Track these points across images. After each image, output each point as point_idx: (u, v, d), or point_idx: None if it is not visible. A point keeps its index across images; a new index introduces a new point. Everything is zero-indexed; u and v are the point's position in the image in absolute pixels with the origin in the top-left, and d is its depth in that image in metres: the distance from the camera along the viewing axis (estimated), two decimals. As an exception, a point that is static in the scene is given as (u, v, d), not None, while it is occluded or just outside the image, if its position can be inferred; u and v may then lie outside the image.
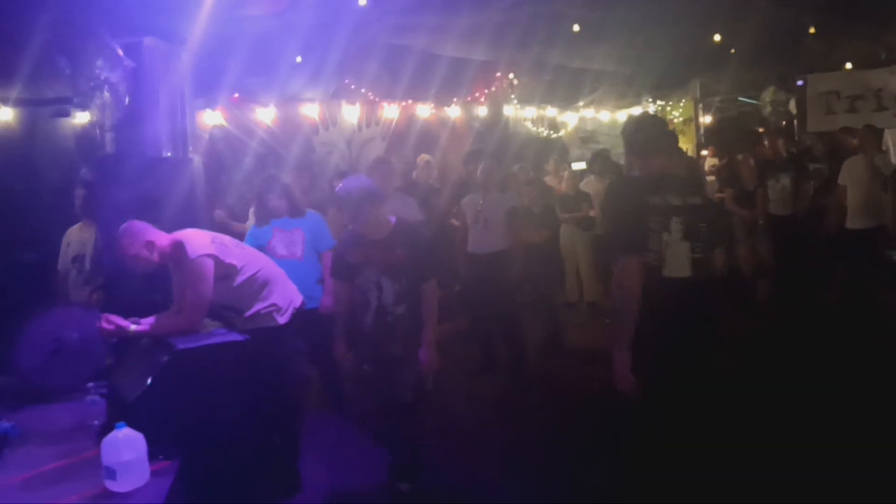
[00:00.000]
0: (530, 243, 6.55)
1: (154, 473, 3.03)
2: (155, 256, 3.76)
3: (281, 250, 5.03)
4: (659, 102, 13.66)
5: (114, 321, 3.71)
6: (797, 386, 5.44)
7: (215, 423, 3.31)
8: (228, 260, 3.95)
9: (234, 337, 3.52)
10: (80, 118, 5.75)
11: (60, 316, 5.07)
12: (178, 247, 3.84)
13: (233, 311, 4.09)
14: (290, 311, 4.18)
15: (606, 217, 8.01)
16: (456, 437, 5.16)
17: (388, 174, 5.62)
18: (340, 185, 4.14)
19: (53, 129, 6.16)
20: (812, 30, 8.55)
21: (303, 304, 4.32)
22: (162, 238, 3.84)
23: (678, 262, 3.22)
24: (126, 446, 2.94)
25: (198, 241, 3.90)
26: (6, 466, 3.71)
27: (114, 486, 2.91)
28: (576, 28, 7.81)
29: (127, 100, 4.55)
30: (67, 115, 5.96)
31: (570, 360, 6.72)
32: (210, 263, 3.84)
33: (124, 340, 3.95)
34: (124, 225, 3.80)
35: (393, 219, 4.13)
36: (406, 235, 4.07)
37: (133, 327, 3.73)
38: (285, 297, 4.20)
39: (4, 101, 5.87)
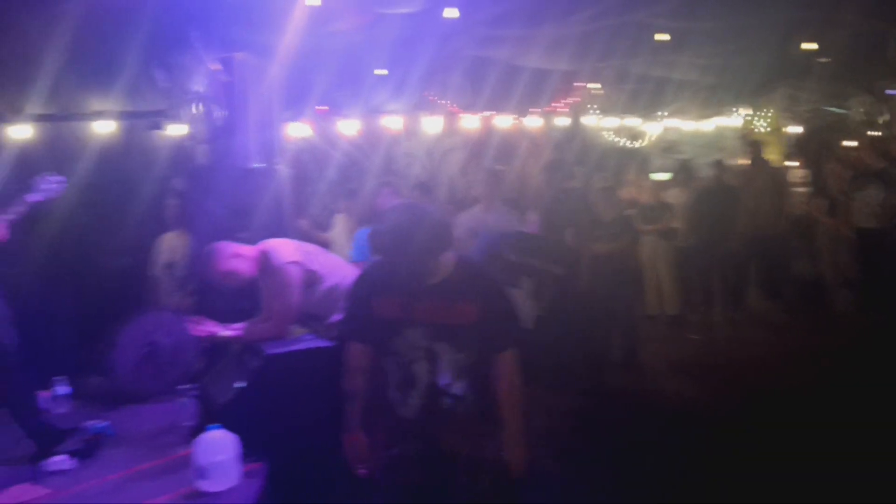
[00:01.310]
0: (598, 254, 6.39)
1: (245, 474, 3.10)
2: (245, 268, 3.86)
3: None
4: (743, 112, 13.32)
5: (205, 326, 3.82)
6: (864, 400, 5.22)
7: (304, 426, 3.38)
8: (313, 267, 4.02)
9: (322, 343, 3.58)
10: (174, 130, 5.97)
11: (153, 321, 5.26)
12: (265, 255, 3.94)
13: (315, 318, 4.15)
14: None
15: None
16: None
17: (495, 184, 5.52)
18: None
19: (149, 141, 6.42)
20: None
21: None
22: (249, 250, 3.94)
23: None
24: (219, 447, 3.02)
25: (284, 249, 3.99)
26: (101, 465, 3.87)
27: (205, 485, 2.99)
28: (662, 38, 7.70)
29: (219, 113, 4.70)
30: (161, 127, 6.20)
31: (648, 375, 6.59)
32: (297, 271, 3.92)
33: (215, 345, 4.07)
34: (209, 246, 3.91)
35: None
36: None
37: (224, 332, 3.83)
38: None
39: (104, 115, 6.15)
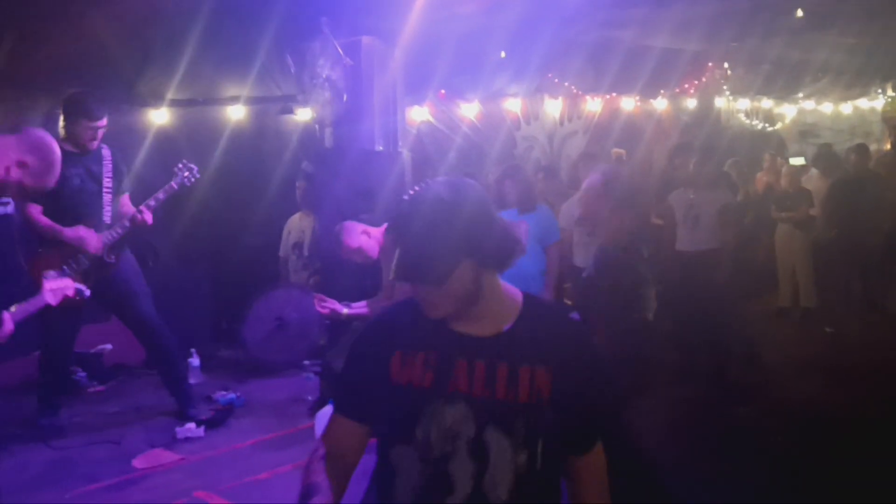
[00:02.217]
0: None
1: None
2: (371, 246, 3.97)
3: None
4: (891, 94, 12.44)
5: (328, 304, 3.95)
6: None
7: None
8: None
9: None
10: (303, 114, 6.16)
11: (282, 297, 5.51)
12: (389, 234, 4.03)
13: None
14: None
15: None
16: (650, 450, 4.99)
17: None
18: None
19: (280, 125, 6.65)
20: None
21: None
22: (376, 230, 4.05)
23: None
24: (338, 421, 3.10)
25: None
26: (230, 434, 4.09)
27: (325, 457, 3.09)
28: (799, 13, 7.28)
29: (345, 97, 4.82)
30: (292, 112, 6.40)
31: (778, 371, 6.28)
32: None
33: (338, 322, 4.19)
34: (340, 224, 4.02)
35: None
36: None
37: (346, 310, 3.94)
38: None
39: (238, 100, 6.41)
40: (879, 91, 12.30)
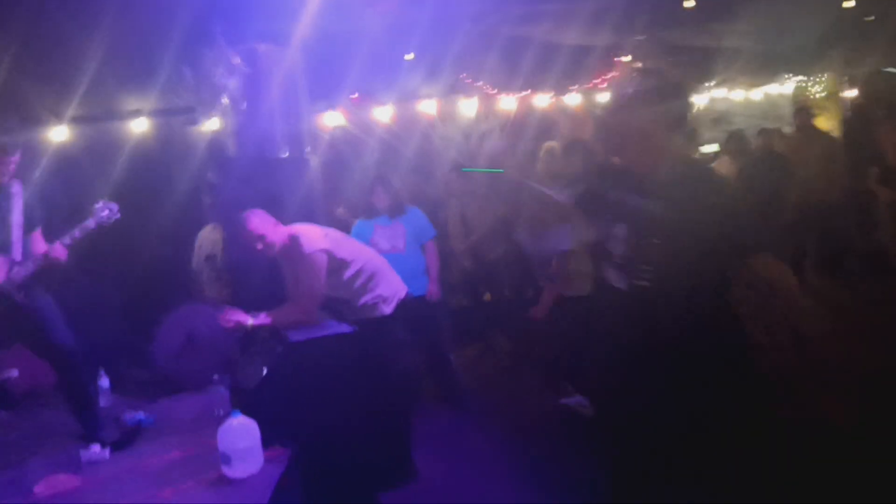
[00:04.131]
0: None
1: (268, 460, 3.13)
2: (275, 239, 3.94)
3: (384, 245, 5.14)
4: (798, 78, 12.85)
5: (233, 316, 3.88)
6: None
7: (327, 411, 3.40)
8: (340, 254, 4.08)
9: (344, 329, 3.60)
10: (209, 124, 6.06)
11: (192, 312, 5.40)
12: (295, 240, 4.00)
13: (342, 302, 4.20)
14: (395, 302, 4.25)
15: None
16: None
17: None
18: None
19: (185, 136, 6.53)
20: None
21: (408, 294, 4.39)
22: (282, 228, 4.01)
23: None
24: (240, 434, 3.05)
25: (312, 235, 4.06)
26: (136, 454, 3.98)
27: (229, 471, 3.04)
28: (689, 4, 7.48)
29: (244, 104, 4.75)
30: (196, 122, 6.29)
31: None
32: (324, 258, 3.98)
33: (247, 334, 4.12)
34: (250, 211, 4.00)
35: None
36: None
37: (251, 321, 3.88)
38: (391, 288, 4.28)
39: (141, 113, 6.28)
40: (787, 76, 12.68)
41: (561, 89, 9.38)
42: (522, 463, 4.54)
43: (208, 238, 6.01)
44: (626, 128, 2.31)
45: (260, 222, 3.95)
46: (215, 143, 5.47)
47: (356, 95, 7.40)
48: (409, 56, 6.97)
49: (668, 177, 2.27)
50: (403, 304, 4.28)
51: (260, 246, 3.93)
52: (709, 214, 2.16)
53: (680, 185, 2.23)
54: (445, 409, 5.48)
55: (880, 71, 12.55)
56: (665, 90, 2.32)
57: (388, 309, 4.20)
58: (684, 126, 2.35)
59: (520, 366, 6.49)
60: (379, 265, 4.29)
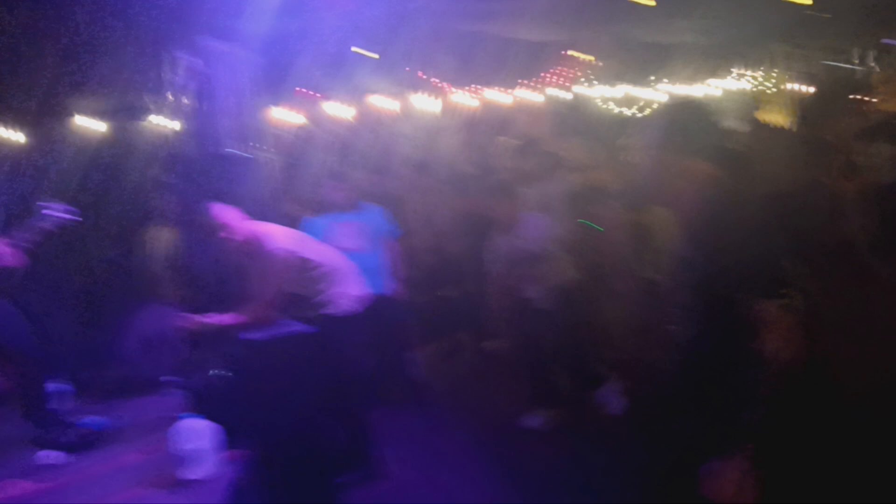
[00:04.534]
0: None
1: (227, 461, 3.10)
2: (239, 234, 3.90)
3: (347, 243, 5.07)
4: (748, 73, 13.09)
5: (189, 318, 3.83)
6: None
7: (286, 411, 3.37)
8: (304, 253, 4.06)
9: (301, 328, 3.57)
10: (159, 122, 5.96)
11: (150, 313, 5.32)
12: (256, 238, 3.96)
13: (305, 300, 4.17)
14: (357, 301, 4.23)
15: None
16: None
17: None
18: None
19: (137, 134, 6.41)
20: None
21: (370, 293, 4.37)
22: (247, 223, 3.99)
23: None
24: (194, 435, 3.02)
25: (274, 234, 4.03)
26: (92, 458, 3.91)
27: (184, 473, 3.00)
28: (651, 3, 7.55)
29: (194, 101, 4.69)
30: (144, 120, 6.20)
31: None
32: (285, 256, 3.95)
33: (203, 335, 4.07)
34: (217, 204, 3.97)
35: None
36: None
37: (209, 321, 3.83)
38: (353, 286, 4.26)
39: (92, 112, 6.15)
40: (733, 71, 12.90)
41: (518, 85, 9.42)
42: (486, 461, 4.56)
43: (161, 238, 5.92)
44: None
45: (222, 211, 3.92)
46: (167, 141, 5.39)
47: (310, 92, 7.34)
48: (371, 53, 6.93)
49: None
50: (366, 303, 4.26)
51: (222, 235, 3.87)
52: None
53: None
54: (407, 408, 5.48)
55: (829, 64, 12.86)
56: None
57: (350, 307, 4.18)
58: None
59: (485, 362, 6.51)
60: (342, 264, 4.27)
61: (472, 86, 9.05)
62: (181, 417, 3.10)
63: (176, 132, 4.98)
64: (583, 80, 10.53)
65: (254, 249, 3.95)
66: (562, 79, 10.00)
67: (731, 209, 2.28)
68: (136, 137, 6.42)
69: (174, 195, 5.22)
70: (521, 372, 5.33)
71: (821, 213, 7.76)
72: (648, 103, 12.85)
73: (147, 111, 5.85)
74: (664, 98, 12.96)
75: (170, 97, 4.80)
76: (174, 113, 4.88)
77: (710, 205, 2.27)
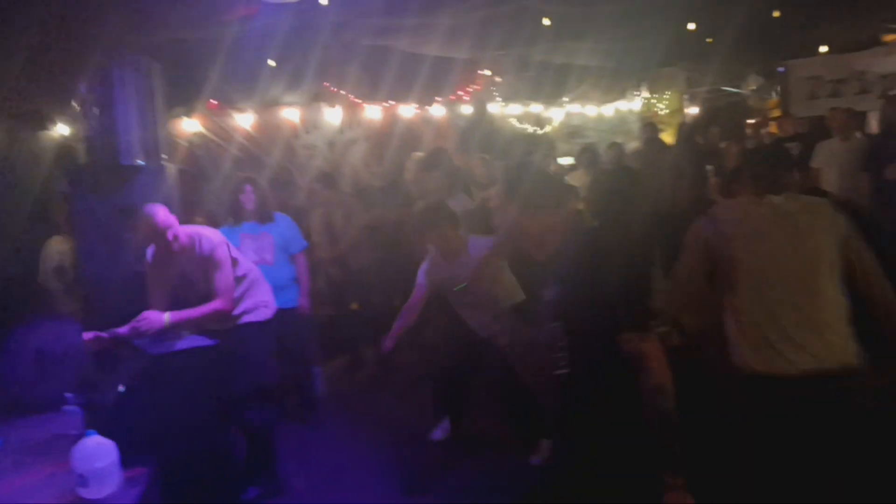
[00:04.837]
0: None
1: (127, 480, 3.04)
2: (177, 236, 3.93)
3: (251, 256, 5.03)
4: (644, 95, 13.66)
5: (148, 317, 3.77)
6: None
7: (188, 427, 3.33)
8: (234, 253, 4.11)
9: (204, 342, 3.54)
10: (60, 130, 5.76)
11: (42, 328, 5.10)
12: (198, 237, 4.03)
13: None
14: (267, 312, 4.26)
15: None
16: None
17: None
18: None
19: (34, 142, 6.15)
20: (777, 14, 8.54)
21: (276, 308, 4.38)
22: (179, 227, 4.01)
23: None
24: (96, 453, 2.95)
25: (210, 232, 4.07)
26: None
27: (86, 493, 2.93)
28: (546, 22, 7.81)
29: (99, 110, 4.57)
30: (45, 128, 5.96)
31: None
32: (227, 251, 4.00)
33: (104, 349, 3.98)
34: (150, 206, 4.01)
35: None
36: None
37: (166, 319, 3.76)
38: (264, 297, 4.28)
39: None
40: (635, 93, 13.47)
41: (425, 100, 9.54)
42: (389, 475, 4.61)
43: (57, 250, 5.71)
44: None
45: (166, 215, 3.95)
46: (67, 149, 5.22)
47: (215, 102, 7.24)
48: (273, 63, 6.89)
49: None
50: (275, 315, 4.28)
51: (169, 237, 3.89)
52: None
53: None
54: (310, 423, 5.47)
55: (719, 89, 13.57)
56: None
57: (262, 316, 4.21)
58: None
59: (388, 375, 6.55)
60: (256, 273, 4.29)
61: (382, 100, 9.12)
62: (85, 435, 3.02)
63: (79, 140, 4.84)
64: (490, 97, 10.76)
65: (197, 250, 4.00)
66: (469, 96, 10.18)
67: (597, 249, 2.42)
68: (35, 144, 6.17)
69: (75, 206, 5.06)
70: (424, 385, 5.42)
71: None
72: (550, 121, 13.27)
73: (51, 120, 5.64)
74: (572, 118, 13.42)
75: (75, 105, 4.67)
76: (77, 120, 4.75)
77: (576, 249, 2.40)
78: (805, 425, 2.55)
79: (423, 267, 4.41)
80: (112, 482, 2.94)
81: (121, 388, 3.34)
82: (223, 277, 4.00)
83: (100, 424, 3.16)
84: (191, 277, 4.09)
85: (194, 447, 3.34)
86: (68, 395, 4.67)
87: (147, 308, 4.06)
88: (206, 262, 3.99)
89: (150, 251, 4.18)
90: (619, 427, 2.35)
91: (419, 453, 4.85)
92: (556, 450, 3.72)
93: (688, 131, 11.24)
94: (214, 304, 3.92)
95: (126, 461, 3.05)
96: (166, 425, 3.30)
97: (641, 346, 2.29)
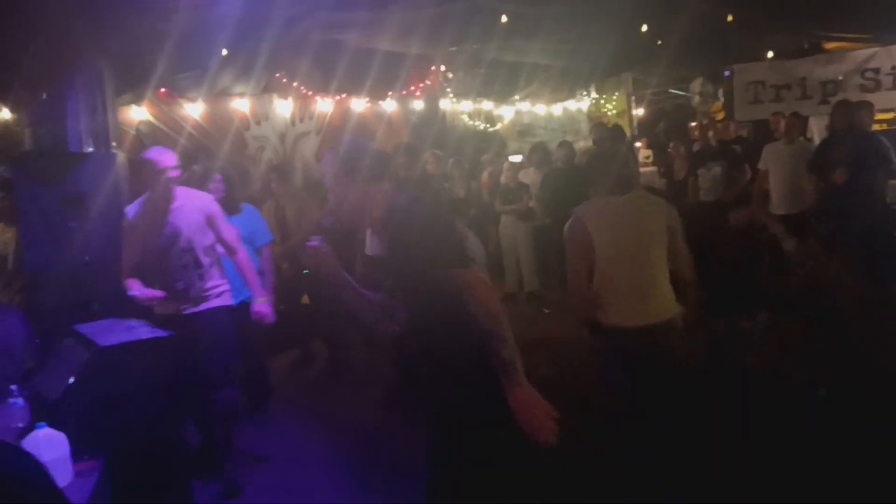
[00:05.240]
0: None
1: (78, 473, 2.96)
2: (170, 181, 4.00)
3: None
4: (593, 96, 13.84)
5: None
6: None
7: (139, 420, 3.26)
8: None
9: (157, 333, 3.45)
10: (2, 115, 5.58)
11: (-19, 319, 4.92)
12: (191, 190, 4.25)
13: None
14: (231, 298, 4.23)
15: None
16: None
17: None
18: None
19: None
20: (730, 18, 8.73)
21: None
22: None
23: None
24: (47, 446, 2.86)
25: None
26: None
27: (35, 486, 2.83)
28: (504, 19, 7.85)
29: (43, 94, 4.44)
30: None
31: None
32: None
33: (46, 341, 3.86)
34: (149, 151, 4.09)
35: None
36: None
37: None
38: (227, 282, 4.27)
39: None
40: (583, 93, 13.63)
41: (377, 94, 9.48)
42: (341, 467, 4.58)
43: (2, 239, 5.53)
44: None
45: (167, 156, 4.07)
46: (9, 135, 5.05)
47: (164, 90, 7.08)
48: (225, 52, 6.74)
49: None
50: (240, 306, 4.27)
51: (173, 175, 4.01)
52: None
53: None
54: (261, 416, 5.40)
55: (665, 91, 13.83)
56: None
57: (229, 301, 4.17)
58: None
59: (338, 369, 6.51)
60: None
61: (335, 94, 9.03)
62: (34, 427, 2.93)
63: (24, 127, 4.69)
64: (442, 93, 10.76)
65: (196, 200, 4.16)
66: (421, 91, 10.16)
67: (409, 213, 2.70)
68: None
69: (18, 193, 4.90)
70: (374, 378, 5.42)
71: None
72: (500, 119, 13.35)
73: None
74: (522, 116, 13.52)
75: (18, 89, 4.52)
76: (20, 105, 4.60)
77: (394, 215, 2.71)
78: (641, 358, 3.54)
79: None
80: (63, 475, 2.86)
81: (70, 381, 3.24)
82: (229, 227, 4.14)
83: (48, 416, 3.07)
84: (183, 234, 4.02)
85: (144, 439, 3.26)
86: (12, 386, 4.54)
87: (93, 296, 3.97)
88: (209, 210, 4.00)
89: (132, 208, 4.07)
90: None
91: (370, 449, 4.83)
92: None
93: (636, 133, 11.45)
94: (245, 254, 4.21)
95: (76, 454, 2.97)
96: (118, 418, 3.21)
97: (465, 277, 2.58)
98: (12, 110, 4.89)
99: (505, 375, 2.55)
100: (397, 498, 4.12)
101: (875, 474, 3.74)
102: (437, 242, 2.64)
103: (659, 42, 9.63)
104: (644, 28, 8.90)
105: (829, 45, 10.41)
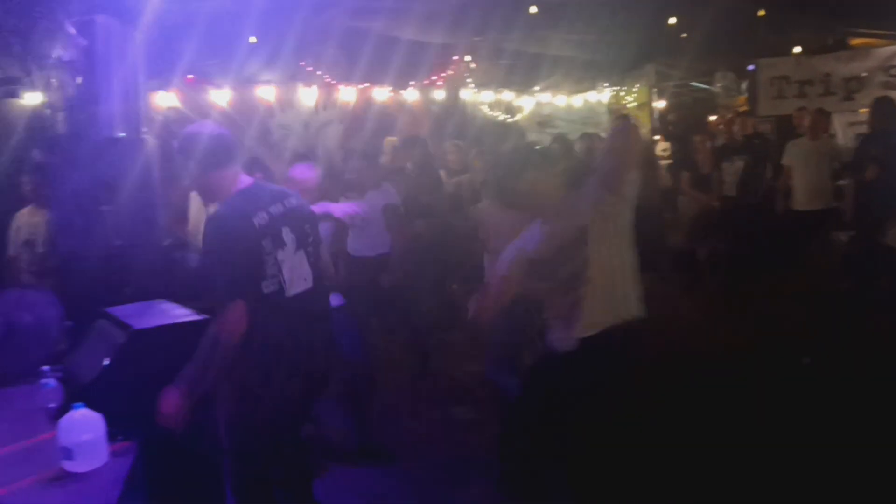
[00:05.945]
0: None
1: (113, 454, 3.00)
2: None
3: None
4: (614, 87, 13.78)
5: None
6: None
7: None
8: None
9: (192, 316, 3.49)
10: (31, 99, 5.63)
11: (12, 299, 4.99)
12: None
13: None
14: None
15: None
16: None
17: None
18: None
19: (3, 109, 6.02)
20: (762, 12, 8.69)
21: None
22: None
23: None
24: (83, 426, 2.91)
25: None
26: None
27: (71, 466, 2.88)
28: (533, 10, 7.84)
29: (79, 79, 4.47)
30: (16, 95, 5.82)
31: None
32: None
33: (79, 324, 3.91)
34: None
35: None
36: None
37: None
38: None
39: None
40: (605, 85, 13.58)
41: (399, 84, 9.50)
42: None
43: (27, 221, 5.61)
44: None
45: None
46: (40, 118, 5.10)
47: (191, 76, 7.13)
48: (253, 39, 6.79)
49: None
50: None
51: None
52: None
53: None
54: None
55: (687, 84, 13.75)
56: None
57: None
58: None
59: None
60: None
61: (359, 83, 9.06)
62: (64, 409, 2.98)
63: (57, 111, 4.73)
64: (465, 84, 10.77)
65: None
66: (443, 81, 10.16)
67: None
68: (8, 113, 6.03)
69: (51, 178, 4.96)
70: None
71: (665, 220, 8.30)
72: (520, 109, 13.33)
73: (24, 87, 5.51)
74: (542, 107, 13.48)
75: (52, 73, 4.56)
76: (54, 89, 4.64)
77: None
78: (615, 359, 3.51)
79: None
80: (99, 456, 2.91)
81: (105, 362, 3.29)
82: None
83: (83, 397, 3.12)
84: None
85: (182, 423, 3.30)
86: (44, 367, 4.61)
87: (125, 279, 4.00)
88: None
89: None
90: None
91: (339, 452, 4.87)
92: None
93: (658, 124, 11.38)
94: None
95: (111, 435, 3.01)
96: (153, 400, 3.25)
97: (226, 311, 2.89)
98: (44, 95, 4.93)
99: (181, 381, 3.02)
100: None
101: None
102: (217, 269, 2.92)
103: (684, 35, 9.58)
104: (674, 20, 8.87)
105: (854, 42, 10.33)
